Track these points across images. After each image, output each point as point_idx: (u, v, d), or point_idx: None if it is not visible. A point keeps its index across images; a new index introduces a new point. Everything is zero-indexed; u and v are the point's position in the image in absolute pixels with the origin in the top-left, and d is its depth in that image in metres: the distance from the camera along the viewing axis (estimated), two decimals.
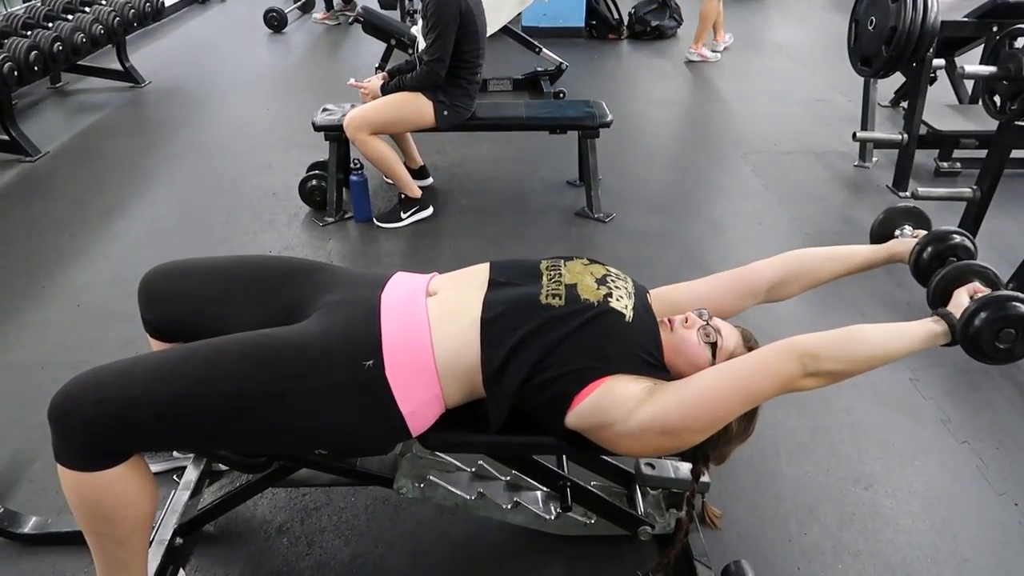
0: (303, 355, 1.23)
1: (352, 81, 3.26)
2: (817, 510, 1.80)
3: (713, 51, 5.75)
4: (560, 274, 1.34)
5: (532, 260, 1.42)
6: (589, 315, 1.25)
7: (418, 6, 5.46)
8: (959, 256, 1.44)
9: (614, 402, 1.20)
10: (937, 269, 1.42)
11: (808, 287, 1.51)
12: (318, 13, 7.04)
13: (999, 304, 1.16)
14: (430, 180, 3.61)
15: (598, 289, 1.30)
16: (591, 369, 1.22)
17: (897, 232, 1.58)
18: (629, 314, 1.27)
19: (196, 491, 1.67)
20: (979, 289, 1.27)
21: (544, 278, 1.34)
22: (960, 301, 1.23)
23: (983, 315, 1.16)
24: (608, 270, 1.38)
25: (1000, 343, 1.16)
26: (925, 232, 1.51)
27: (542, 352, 1.22)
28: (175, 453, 1.84)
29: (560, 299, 1.27)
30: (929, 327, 1.21)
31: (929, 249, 1.45)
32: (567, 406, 1.22)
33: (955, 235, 1.45)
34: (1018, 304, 1.15)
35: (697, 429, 1.21)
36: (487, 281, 1.35)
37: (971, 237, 1.47)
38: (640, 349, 1.25)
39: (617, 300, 1.28)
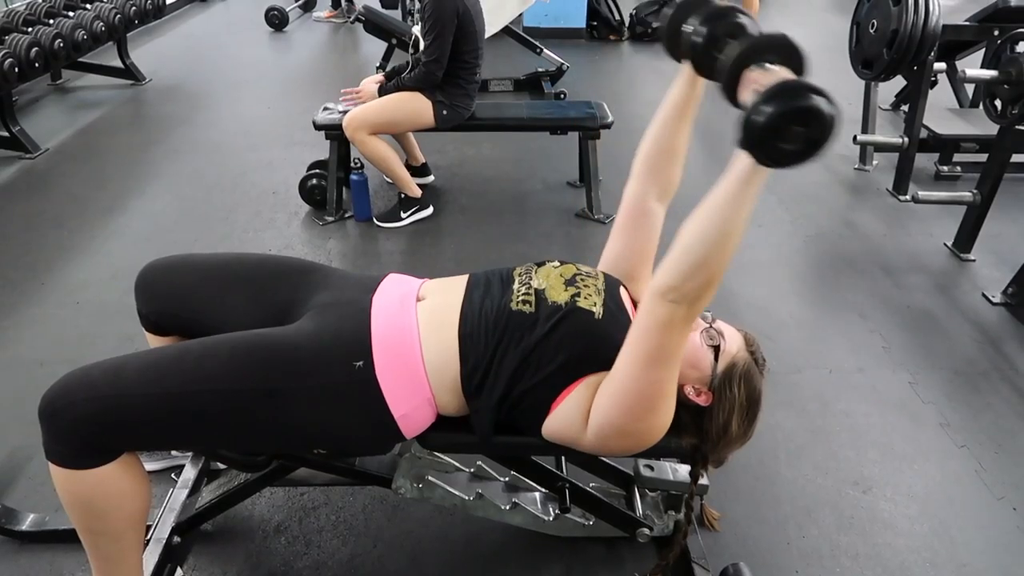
0: (296, 354, 1.23)
1: (344, 91, 3.23)
2: (816, 513, 1.80)
3: None
4: (531, 279, 1.34)
5: (507, 268, 1.41)
6: (557, 317, 1.24)
7: (420, 5, 5.46)
8: (735, 36, 1.11)
9: (573, 416, 1.20)
10: (717, 58, 1.09)
11: (679, 161, 1.41)
12: (321, 12, 7.05)
13: (770, 99, 0.90)
14: (431, 178, 3.61)
15: (566, 290, 1.29)
16: (563, 372, 1.21)
17: (684, 30, 1.19)
18: (598, 311, 1.26)
19: (194, 489, 1.66)
20: (760, 78, 0.96)
21: (515, 284, 1.33)
22: (745, 98, 0.96)
23: (756, 119, 0.90)
24: (579, 269, 1.37)
25: (788, 145, 0.91)
26: None
27: (515, 363, 1.22)
28: (173, 452, 1.84)
29: (530, 305, 1.27)
30: (736, 168, 0.99)
31: (699, 35, 1.12)
32: (545, 414, 1.23)
33: (725, 12, 1.12)
34: (794, 91, 0.90)
35: (642, 416, 1.17)
36: (464, 292, 1.34)
37: (743, 9, 1.15)
38: (611, 345, 1.23)
39: (585, 299, 1.27)
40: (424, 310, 1.31)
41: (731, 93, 1.02)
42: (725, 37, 1.10)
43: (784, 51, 1.01)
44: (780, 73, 0.97)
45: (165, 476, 1.79)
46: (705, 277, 1.04)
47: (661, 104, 1.36)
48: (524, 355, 1.22)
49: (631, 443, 1.22)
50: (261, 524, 1.74)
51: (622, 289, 1.39)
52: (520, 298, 1.29)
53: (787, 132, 0.90)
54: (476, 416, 1.27)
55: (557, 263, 1.39)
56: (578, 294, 1.28)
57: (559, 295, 1.28)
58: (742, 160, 0.97)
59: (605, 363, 1.21)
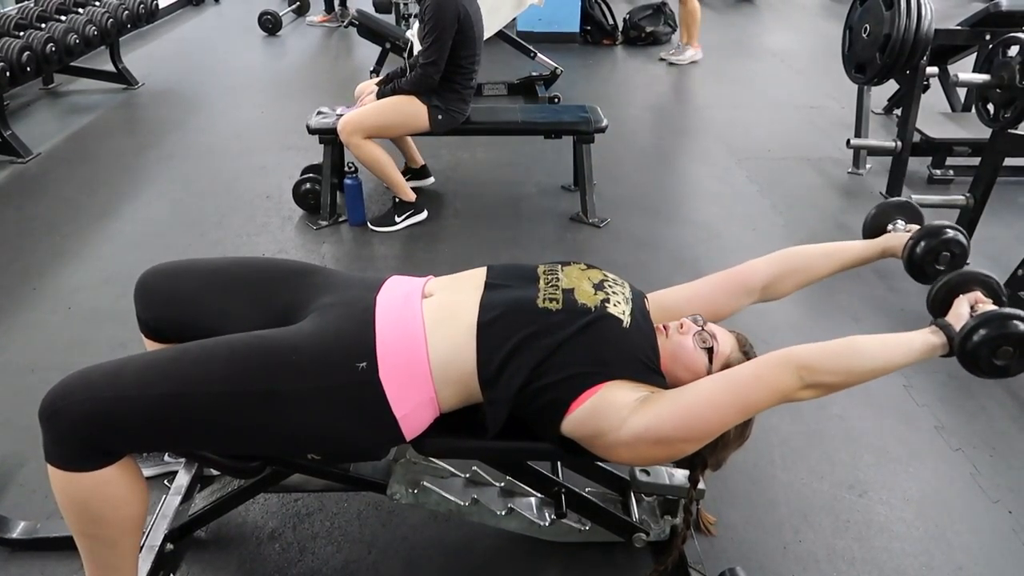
0: (296, 356, 1.22)
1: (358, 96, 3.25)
2: (812, 517, 1.79)
3: (686, 56, 5.85)
4: (557, 278, 1.33)
5: (529, 264, 1.41)
6: (586, 320, 1.24)
7: (413, 10, 5.46)
8: (952, 251, 1.43)
9: (608, 410, 1.20)
10: (932, 264, 1.42)
11: (802, 285, 1.51)
12: (314, 16, 7.05)
13: (1000, 321, 1.15)
14: (431, 180, 3.61)
15: (595, 294, 1.29)
16: (587, 375, 1.21)
17: (890, 227, 1.56)
18: (627, 320, 1.27)
19: (187, 496, 1.65)
20: (980, 299, 1.25)
21: (541, 282, 1.33)
22: (960, 311, 1.22)
23: (983, 331, 1.14)
24: (605, 275, 1.37)
25: (997, 360, 1.15)
26: (918, 226, 1.51)
27: (539, 357, 1.22)
28: (166, 457, 1.83)
29: (557, 303, 1.27)
30: (928, 339, 1.19)
31: (922, 244, 1.43)
32: (563, 413, 1.22)
33: (948, 229, 1.44)
34: (1019, 323, 1.14)
35: (691, 439, 1.20)
36: (483, 284, 1.34)
37: (964, 232, 1.46)
38: (637, 355, 1.25)
39: (615, 306, 1.28)
40: (431, 306, 1.30)
41: (938, 310, 1.31)
42: (944, 252, 1.43)
43: (987, 284, 1.31)
44: (989, 303, 1.26)
45: (158, 482, 1.77)
46: (836, 382, 1.16)
47: (843, 245, 1.52)
48: (549, 351, 1.22)
49: (659, 453, 1.24)
50: (255, 531, 1.73)
51: (646, 302, 1.39)
52: (547, 296, 1.28)
53: (999, 351, 1.14)
54: (491, 407, 1.25)
55: (584, 265, 1.39)
56: (607, 300, 1.28)
57: (589, 298, 1.28)
58: (935, 338, 1.19)
59: (629, 371, 1.22)
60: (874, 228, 1.60)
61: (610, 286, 1.33)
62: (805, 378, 1.14)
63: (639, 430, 1.18)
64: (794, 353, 1.16)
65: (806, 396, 1.16)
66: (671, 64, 5.73)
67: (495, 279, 1.35)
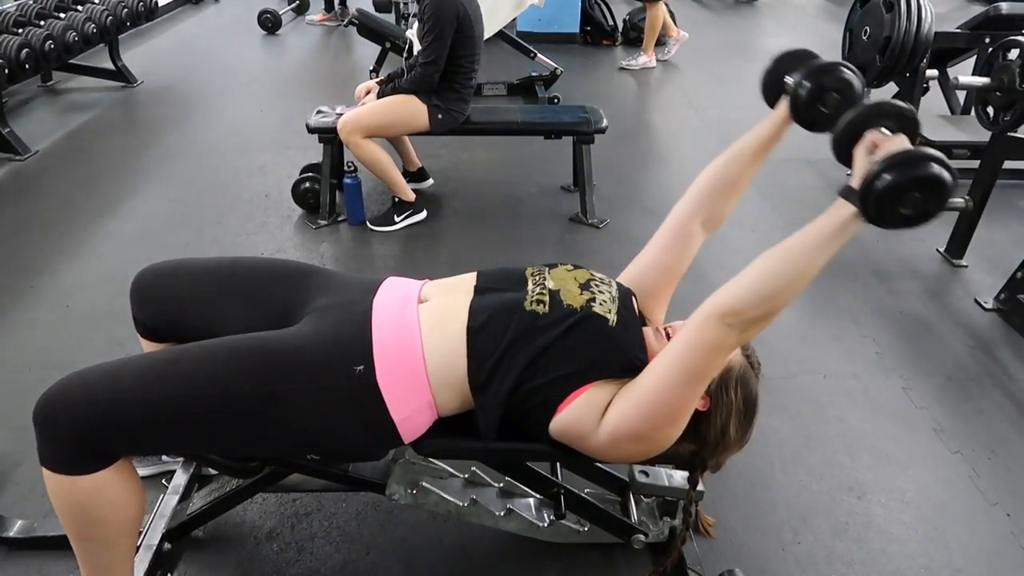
0: (294, 358, 1.22)
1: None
2: (811, 519, 1.79)
3: (658, 58, 5.84)
4: (545, 280, 1.33)
5: (518, 267, 1.41)
6: (572, 321, 1.24)
7: (413, 9, 5.46)
8: (840, 91, 1.22)
9: (588, 414, 1.20)
10: (820, 112, 1.23)
11: (736, 196, 1.44)
12: (314, 15, 7.04)
13: (895, 166, 0.98)
14: (430, 182, 3.60)
15: (581, 294, 1.29)
16: (574, 376, 1.21)
17: (787, 81, 1.33)
18: (612, 318, 1.26)
19: (185, 495, 1.65)
20: (879, 140, 1.06)
21: (529, 284, 1.33)
22: (859, 165, 1.06)
23: (878, 184, 0.98)
24: (592, 275, 1.37)
25: (905, 209, 1.00)
26: None
27: (527, 360, 1.22)
28: (164, 457, 1.82)
29: (544, 306, 1.27)
30: (836, 215, 1.05)
31: (804, 87, 1.23)
32: (551, 415, 1.22)
33: (831, 67, 1.23)
34: (919, 161, 0.98)
35: (661, 426, 1.19)
36: (473, 288, 1.34)
37: (851, 67, 1.25)
38: (624, 353, 1.24)
39: (600, 305, 1.28)
40: (427, 310, 1.30)
41: (844, 149, 1.12)
42: (832, 92, 1.21)
43: (903, 118, 1.10)
44: (902, 140, 1.05)
45: (156, 482, 1.77)
46: (767, 309, 1.08)
47: (741, 139, 1.40)
48: (536, 354, 1.22)
49: (642, 449, 1.23)
50: (253, 530, 1.72)
51: (633, 299, 1.39)
52: (535, 298, 1.28)
53: (907, 197, 0.98)
54: (482, 412, 1.25)
55: (571, 266, 1.39)
56: (593, 299, 1.28)
57: (574, 298, 1.28)
58: (842, 210, 1.04)
59: (616, 370, 1.22)
60: (771, 89, 1.39)
61: (596, 285, 1.33)
62: (733, 323, 1.08)
63: (611, 431, 1.19)
64: (714, 304, 1.10)
65: (748, 336, 1.11)
66: (625, 69, 5.71)
67: (484, 283, 1.35)
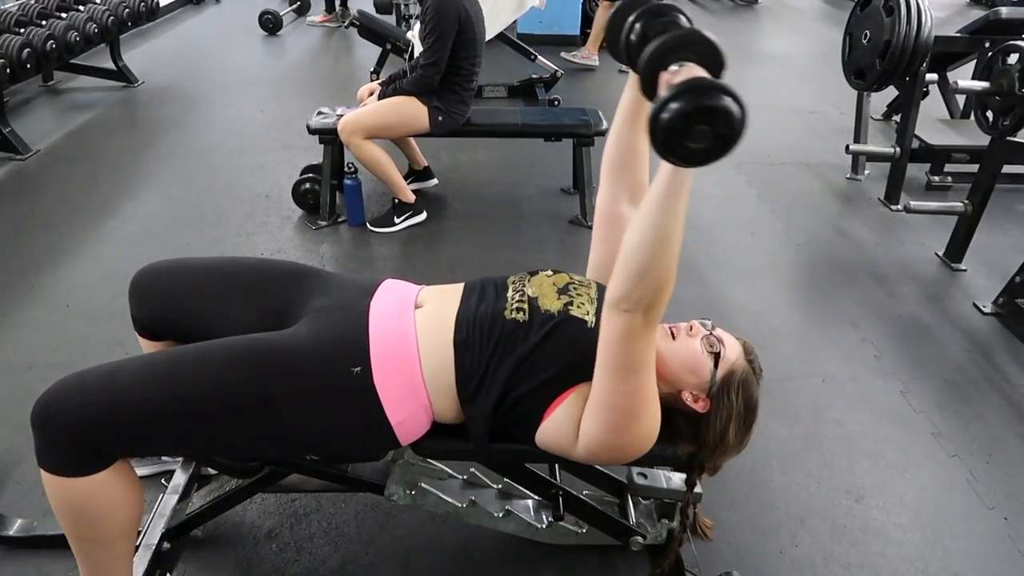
0: (292, 359, 1.22)
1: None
2: (809, 521, 1.80)
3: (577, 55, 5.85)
4: (524, 287, 1.33)
5: (502, 276, 1.41)
6: (549, 326, 1.24)
7: (414, 11, 5.46)
8: (665, 29, 1.12)
9: (566, 427, 1.21)
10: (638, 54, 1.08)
11: (643, 162, 1.40)
12: (315, 16, 7.05)
13: (679, 96, 0.88)
14: (435, 181, 3.60)
15: (559, 299, 1.29)
16: (555, 381, 1.22)
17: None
18: (591, 320, 1.26)
19: (184, 495, 1.65)
20: (671, 77, 0.97)
21: (510, 292, 1.33)
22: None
23: (664, 115, 0.88)
24: (572, 278, 1.37)
25: (693, 143, 0.90)
26: None
27: (510, 370, 1.22)
28: (164, 457, 1.82)
29: (524, 313, 1.27)
30: (662, 172, 0.99)
31: (632, 28, 1.14)
32: (537, 422, 1.23)
33: (662, 12, 1.14)
34: (704, 90, 0.89)
35: (627, 429, 1.18)
36: (459, 299, 1.34)
37: (680, 8, 1.15)
38: None
39: (578, 307, 1.28)
40: (422, 316, 1.31)
41: (650, 91, 1.02)
42: (659, 36, 1.05)
43: (701, 49, 0.99)
44: (691, 71, 0.95)
45: (155, 481, 1.77)
46: (653, 283, 1.04)
47: (618, 107, 1.36)
48: (518, 363, 1.22)
49: (620, 456, 1.23)
50: (252, 530, 1.72)
51: None
52: (514, 306, 1.28)
53: (692, 131, 0.88)
54: (472, 423, 1.26)
55: (550, 272, 1.38)
56: (571, 302, 1.28)
57: (552, 303, 1.28)
58: (665, 164, 0.97)
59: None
60: (615, 45, 1.23)
61: (575, 288, 1.33)
62: (627, 307, 1.06)
63: (585, 445, 1.20)
64: (607, 299, 1.09)
65: (655, 312, 1.07)
66: (569, 61, 5.79)
67: (469, 294, 1.35)
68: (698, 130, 0.88)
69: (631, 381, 1.13)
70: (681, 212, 1.01)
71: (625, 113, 1.36)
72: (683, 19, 1.14)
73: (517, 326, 1.25)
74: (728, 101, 0.89)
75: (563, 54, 5.80)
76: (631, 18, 1.15)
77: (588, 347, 1.23)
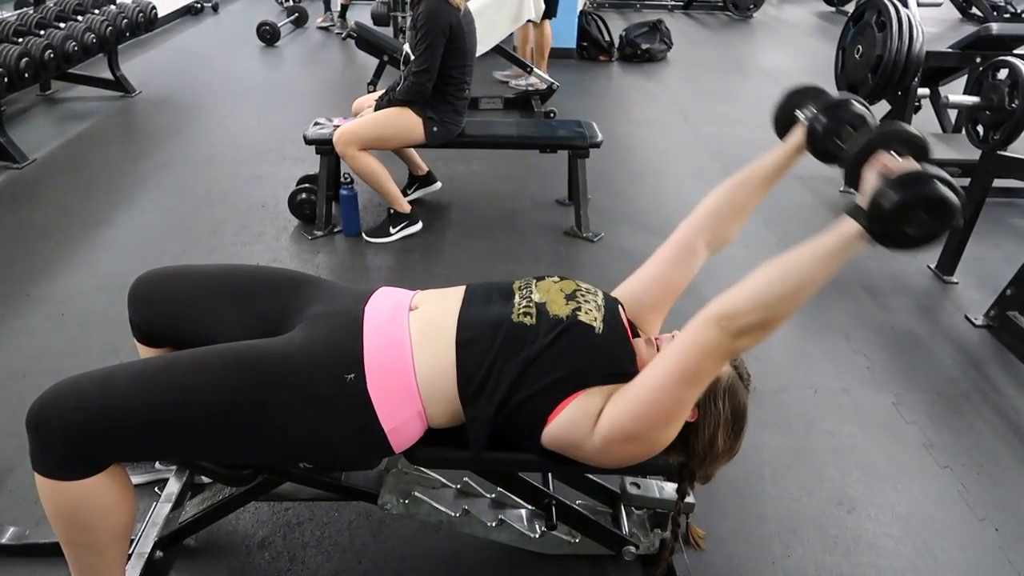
0: (285, 366, 1.23)
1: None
2: (800, 532, 1.80)
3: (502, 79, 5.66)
4: (531, 292, 1.35)
5: (506, 281, 1.42)
6: (558, 330, 1.25)
7: (412, 18, 5.50)
8: (854, 124, 1.28)
9: (581, 420, 1.21)
10: (835, 144, 1.28)
11: (742, 221, 1.47)
12: (317, 18, 7.25)
13: (901, 185, 0.99)
14: (439, 185, 3.62)
15: (567, 304, 1.31)
16: (562, 384, 1.22)
17: (800, 116, 1.38)
18: (598, 326, 1.28)
19: (178, 504, 1.65)
20: (887, 162, 1.09)
21: (516, 297, 1.34)
22: (868, 185, 1.07)
23: (885, 203, 0.99)
24: (579, 285, 1.38)
25: (911, 229, 1.00)
26: None
27: (516, 372, 1.23)
28: (157, 465, 1.82)
29: (531, 317, 1.28)
30: (840, 232, 1.06)
31: (820, 122, 1.30)
32: (542, 425, 1.23)
33: (844, 102, 1.30)
34: (926, 181, 0.99)
35: (655, 427, 1.20)
36: (461, 301, 1.35)
37: (863, 102, 1.32)
38: (611, 360, 1.26)
39: (586, 314, 1.29)
40: (417, 320, 1.31)
41: (855, 171, 1.14)
42: (847, 125, 1.27)
43: (913, 144, 1.12)
44: (911, 163, 1.07)
45: (148, 490, 1.77)
46: (765, 318, 1.09)
47: (752, 164, 1.43)
48: (525, 365, 1.23)
49: (634, 451, 1.24)
50: (245, 539, 1.72)
51: (620, 308, 1.40)
52: (521, 311, 1.29)
53: (914, 217, 0.99)
54: (472, 425, 1.26)
55: (557, 278, 1.40)
56: (579, 308, 1.29)
57: (560, 309, 1.29)
58: (848, 227, 1.05)
59: (604, 377, 1.24)
60: (783, 122, 1.43)
61: (582, 295, 1.34)
62: (728, 327, 1.08)
63: (605, 434, 1.20)
64: (711, 307, 1.11)
65: (744, 344, 1.10)
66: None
67: (473, 297, 1.36)
68: (918, 217, 0.99)
69: (688, 389, 1.16)
70: (833, 272, 1.07)
71: (761, 173, 1.42)
72: (867, 111, 1.30)
73: (524, 329, 1.26)
74: (948, 192, 0.98)
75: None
76: (814, 106, 1.32)
77: (596, 353, 1.25)
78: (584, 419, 1.21)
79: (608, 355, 1.26)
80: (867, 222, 1.02)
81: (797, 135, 1.38)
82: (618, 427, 1.19)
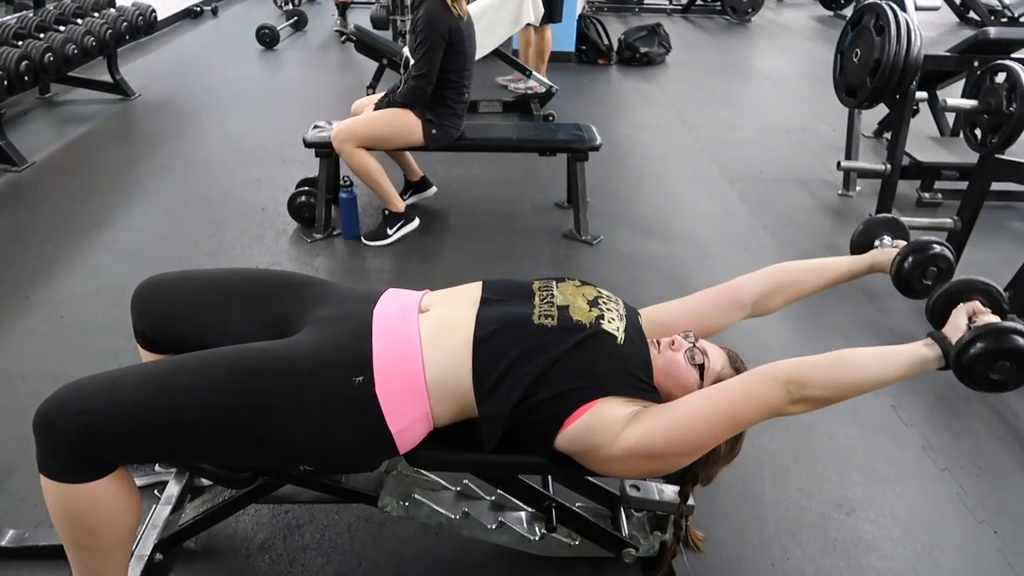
0: (293, 369, 1.23)
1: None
2: (800, 535, 1.80)
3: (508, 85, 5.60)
4: (552, 295, 1.35)
5: (525, 280, 1.42)
6: (581, 336, 1.25)
7: (411, 26, 5.50)
8: (939, 266, 1.44)
9: (602, 425, 1.21)
10: (920, 279, 1.44)
11: (792, 300, 1.52)
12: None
13: (998, 335, 1.12)
14: (434, 190, 3.62)
15: (590, 311, 1.31)
16: (582, 391, 1.22)
17: (877, 243, 1.59)
18: (621, 336, 1.28)
19: (178, 506, 1.65)
20: (979, 309, 1.23)
21: (536, 298, 1.34)
22: (958, 323, 1.20)
23: (980, 345, 1.12)
24: (600, 292, 1.39)
25: (994, 374, 1.13)
26: (904, 242, 1.53)
27: (536, 373, 1.23)
28: (157, 467, 1.82)
29: (553, 320, 1.28)
30: (921, 352, 1.18)
31: (910, 259, 1.45)
32: (558, 428, 1.23)
33: (936, 245, 1.45)
34: (1018, 337, 1.11)
35: (682, 453, 1.22)
36: (479, 299, 1.35)
37: (950, 247, 1.47)
38: (631, 371, 1.26)
39: (609, 322, 1.29)
40: (428, 320, 1.31)
41: (939, 313, 1.29)
42: (932, 267, 1.44)
43: (989, 294, 1.28)
44: (995, 317, 1.21)
45: (148, 492, 1.77)
46: (826, 397, 1.16)
47: (833, 260, 1.54)
48: (545, 368, 1.23)
49: (651, 467, 1.25)
50: (245, 542, 1.72)
51: (639, 318, 1.41)
52: (543, 312, 1.30)
53: (998, 365, 1.12)
54: (486, 423, 1.26)
55: (578, 282, 1.40)
56: (602, 316, 1.30)
57: (584, 315, 1.29)
58: (928, 350, 1.17)
59: (622, 387, 1.24)
60: (862, 244, 1.63)
61: (604, 303, 1.35)
62: (793, 392, 1.14)
63: (631, 445, 1.19)
64: (783, 367, 1.16)
65: (796, 410, 1.17)
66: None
67: (491, 294, 1.36)
68: (1002, 365, 1.12)
69: (726, 429, 1.20)
70: (898, 378, 1.17)
71: (831, 272, 1.52)
72: (949, 252, 1.45)
73: (545, 331, 1.26)
74: None
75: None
76: (909, 249, 1.46)
77: (617, 363, 1.26)
78: (604, 426, 1.21)
79: (628, 366, 1.27)
80: (953, 360, 1.14)
81: (877, 258, 1.51)
82: (647, 442, 1.19)
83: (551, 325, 1.27)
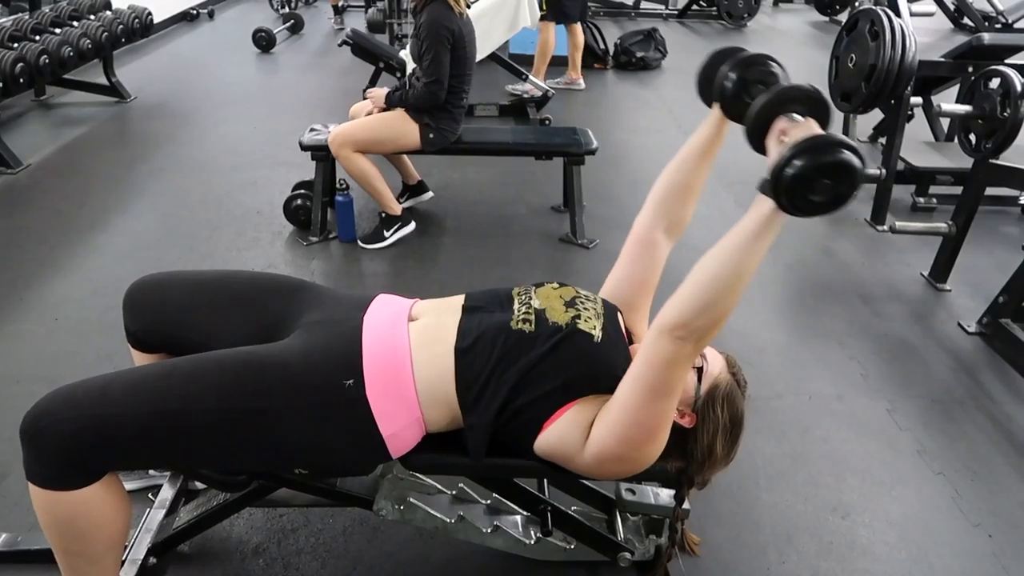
0: (284, 372, 1.23)
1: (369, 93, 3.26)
2: (795, 538, 1.80)
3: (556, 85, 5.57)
4: (530, 299, 1.35)
5: (505, 287, 1.43)
6: (557, 338, 1.25)
7: (407, 30, 5.51)
8: (766, 84, 1.21)
9: (572, 436, 1.22)
10: (747, 105, 1.17)
11: (692, 200, 1.45)
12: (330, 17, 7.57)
13: (805, 152, 0.95)
14: (430, 194, 3.62)
15: (566, 311, 1.31)
16: (559, 393, 1.23)
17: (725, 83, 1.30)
18: (597, 334, 1.28)
19: (171, 510, 1.64)
20: (787, 128, 1.05)
21: (516, 303, 1.34)
22: (771, 154, 1.04)
23: (789, 171, 0.95)
24: (577, 292, 1.39)
25: (815, 196, 0.97)
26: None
27: (515, 379, 1.23)
28: (151, 471, 1.82)
29: (530, 324, 1.28)
30: (758, 211, 1.03)
31: (729, 81, 1.23)
32: (536, 432, 1.24)
33: (757, 59, 1.23)
34: (829, 147, 0.96)
35: (641, 445, 1.20)
36: (461, 309, 1.35)
37: (774, 58, 1.24)
38: (609, 368, 1.26)
39: (585, 321, 1.29)
40: (417, 329, 1.32)
41: (756, 140, 1.10)
42: (756, 84, 1.20)
43: (811, 103, 1.07)
44: (810, 126, 1.02)
45: (142, 496, 1.76)
46: (713, 317, 1.08)
47: (685, 143, 1.40)
48: (523, 372, 1.23)
49: (626, 468, 1.25)
50: (239, 546, 1.72)
51: (619, 315, 1.40)
52: (520, 317, 1.30)
53: (817, 184, 0.96)
54: (471, 432, 1.26)
55: (556, 284, 1.40)
56: (578, 316, 1.30)
57: (560, 316, 1.29)
58: (763, 205, 1.02)
59: (602, 386, 1.23)
60: (706, 88, 1.36)
61: (581, 302, 1.35)
62: (681, 335, 1.08)
63: (595, 453, 1.21)
64: (661, 320, 1.10)
65: (703, 345, 1.11)
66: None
67: (472, 304, 1.36)
68: (823, 184, 0.95)
69: (660, 402, 1.16)
70: (763, 253, 1.05)
71: (695, 149, 1.39)
72: (780, 69, 1.22)
73: (523, 336, 1.26)
74: (852, 158, 0.95)
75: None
76: (725, 67, 1.24)
77: (594, 362, 1.25)
78: (574, 433, 1.22)
79: (606, 364, 1.26)
80: (773, 195, 0.99)
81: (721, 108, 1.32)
82: (606, 449, 1.20)
83: (529, 330, 1.27)
